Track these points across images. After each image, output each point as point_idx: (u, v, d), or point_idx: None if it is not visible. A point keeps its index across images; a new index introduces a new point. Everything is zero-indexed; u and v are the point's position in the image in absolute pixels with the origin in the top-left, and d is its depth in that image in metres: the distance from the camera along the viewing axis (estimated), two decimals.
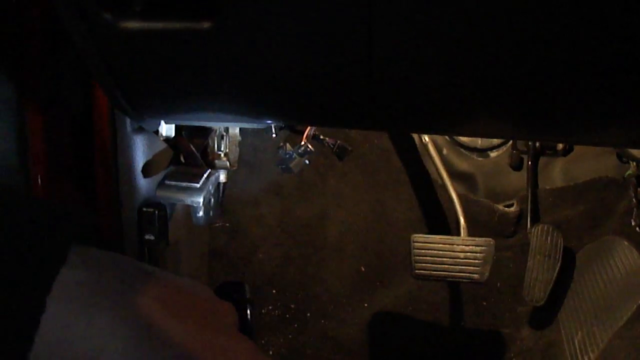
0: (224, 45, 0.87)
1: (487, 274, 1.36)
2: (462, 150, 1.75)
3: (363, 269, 1.62)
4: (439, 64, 0.86)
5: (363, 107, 0.95)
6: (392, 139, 1.68)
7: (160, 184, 1.14)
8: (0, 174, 1.04)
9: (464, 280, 1.38)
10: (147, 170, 1.16)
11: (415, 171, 1.68)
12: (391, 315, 1.58)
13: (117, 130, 1.13)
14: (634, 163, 1.40)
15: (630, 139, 1.05)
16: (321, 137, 1.51)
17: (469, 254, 1.38)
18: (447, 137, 1.74)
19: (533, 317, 1.51)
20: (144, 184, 1.17)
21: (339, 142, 1.57)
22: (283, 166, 1.42)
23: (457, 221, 1.52)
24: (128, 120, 1.14)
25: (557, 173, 1.61)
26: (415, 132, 1.56)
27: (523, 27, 0.77)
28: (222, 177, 1.32)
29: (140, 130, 1.15)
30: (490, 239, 1.39)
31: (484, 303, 1.58)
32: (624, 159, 1.45)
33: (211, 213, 1.17)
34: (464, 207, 1.50)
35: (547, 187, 1.61)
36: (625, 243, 1.38)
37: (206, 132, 1.36)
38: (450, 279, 1.39)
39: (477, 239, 1.39)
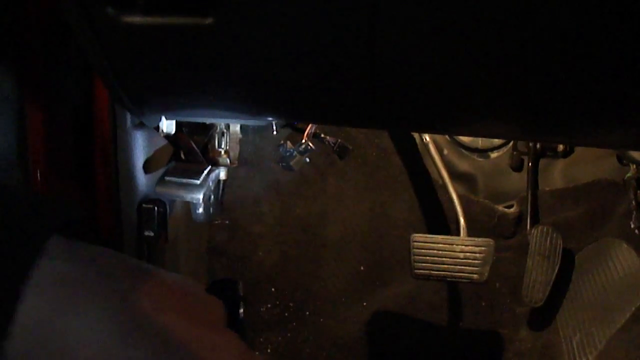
0: (225, 41, 0.87)
1: (486, 274, 1.36)
2: (462, 150, 1.75)
3: (362, 268, 1.62)
4: (441, 63, 0.86)
5: (365, 105, 0.95)
6: (393, 139, 1.68)
7: (160, 180, 1.14)
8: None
9: (464, 280, 1.38)
10: (147, 167, 1.16)
11: (416, 171, 1.68)
12: (390, 315, 1.58)
13: (117, 125, 1.13)
14: (634, 166, 1.40)
15: (631, 141, 1.05)
16: (322, 135, 1.51)
17: (468, 254, 1.38)
18: (447, 137, 1.74)
19: (531, 318, 1.51)
20: (143, 180, 1.16)
21: (339, 141, 1.57)
22: (284, 164, 1.42)
23: (457, 221, 1.52)
24: (128, 116, 1.14)
25: (557, 175, 1.61)
26: (417, 131, 1.56)
27: (527, 28, 0.77)
28: (222, 175, 1.32)
29: (140, 126, 1.15)
30: (490, 239, 1.39)
31: (483, 303, 1.58)
32: (624, 162, 1.45)
33: (211, 210, 1.17)
34: (464, 207, 1.50)
35: (547, 189, 1.61)
36: (625, 245, 1.37)
37: (207, 128, 1.36)
38: (450, 279, 1.39)
39: (476, 239, 1.39)
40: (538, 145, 1.61)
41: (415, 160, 1.69)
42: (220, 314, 0.54)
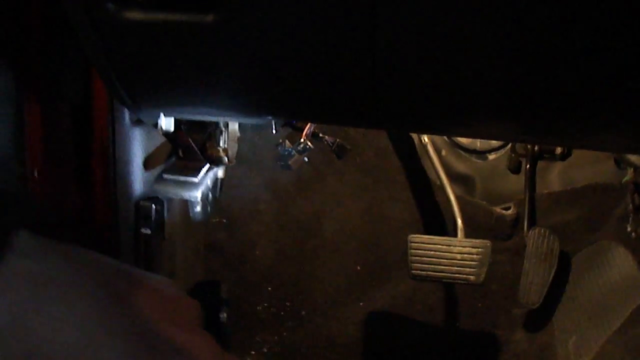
0: (226, 38, 0.87)
1: (483, 275, 1.36)
2: (460, 152, 1.75)
3: (359, 268, 1.62)
4: (442, 64, 0.86)
5: (365, 105, 0.95)
6: (391, 139, 1.68)
7: (158, 178, 1.14)
8: None
9: (461, 281, 1.38)
10: (146, 164, 1.16)
11: (414, 172, 1.68)
12: (386, 315, 1.58)
13: (116, 122, 1.12)
14: (632, 169, 1.40)
15: (630, 145, 1.06)
16: (320, 135, 1.51)
17: (465, 255, 1.38)
18: (446, 138, 1.74)
19: (528, 320, 1.51)
20: (141, 177, 1.16)
21: (338, 140, 1.56)
22: (282, 163, 1.42)
23: (454, 222, 1.52)
24: (127, 113, 1.14)
25: (554, 177, 1.62)
26: (417, 132, 1.56)
27: (526, 31, 0.77)
28: (220, 173, 1.32)
29: (138, 123, 1.15)
30: (487, 241, 1.39)
31: (479, 305, 1.58)
32: (622, 165, 1.45)
33: (208, 209, 1.17)
34: (461, 208, 1.50)
35: (545, 191, 1.61)
36: (621, 248, 1.38)
37: (205, 127, 1.36)
38: (447, 280, 1.39)
39: (474, 240, 1.39)
40: (536, 148, 1.61)
41: (413, 161, 1.69)
42: (196, 315, 0.54)
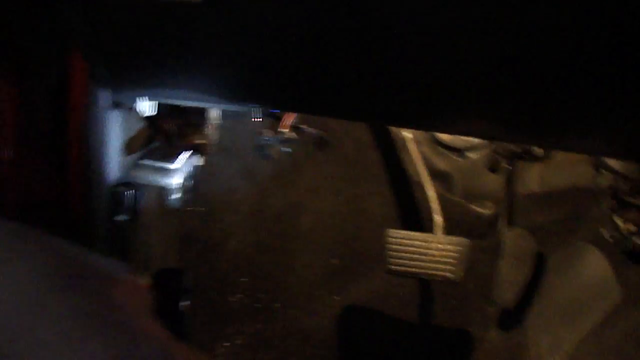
0: (214, 20, 0.85)
1: (461, 273, 1.36)
2: (440, 148, 1.74)
3: (336, 262, 1.61)
4: (432, 62, 0.85)
5: (352, 97, 0.94)
6: (372, 133, 1.67)
7: (135, 163, 1.11)
8: None
9: (438, 278, 1.38)
10: (123, 149, 1.13)
11: (393, 166, 1.67)
12: (361, 309, 1.57)
13: (92, 105, 1.09)
14: (610, 174, 1.41)
15: (606, 149, 1.06)
16: (301, 126, 1.49)
17: (444, 252, 1.38)
18: (426, 134, 1.73)
19: (502, 319, 1.52)
20: (117, 162, 1.13)
21: (318, 132, 1.55)
22: (262, 152, 1.40)
23: (432, 219, 1.51)
24: (104, 95, 1.11)
25: (533, 178, 1.62)
26: (403, 127, 1.54)
27: (513, 35, 0.77)
28: (199, 160, 1.29)
29: (116, 105, 1.12)
30: (465, 239, 1.39)
31: (454, 302, 1.58)
32: (600, 169, 1.46)
33: (186, 196, 1.14)
34: (441, 205, 1.50)
35: (523, 192, 1.61)
36: (597, 251, 1.39)
37: (186, 113, 1.33)
38: (425, 277, 1.39)
39: (453, 238, 1.39)
40: (516, 148, 1.61)
41: (392, 156, 1.68)
42: (146, 303, 0.52)
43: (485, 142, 1.70)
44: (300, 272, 1.59)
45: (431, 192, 1.49)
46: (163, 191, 1.17)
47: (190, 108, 1.30)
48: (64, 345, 0.41)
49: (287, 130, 1.35)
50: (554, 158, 1.59)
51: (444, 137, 1.75)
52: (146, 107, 1.14)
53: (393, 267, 1.38)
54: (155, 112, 1.18)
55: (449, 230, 1.50)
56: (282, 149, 1.36)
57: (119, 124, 1.12)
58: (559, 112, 0.90)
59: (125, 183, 1.13)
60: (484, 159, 1.69)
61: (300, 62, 0.90)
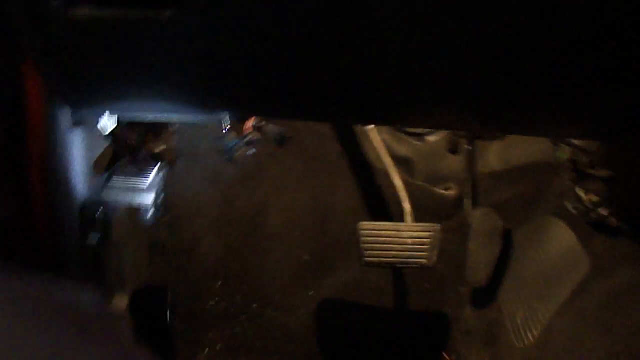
0: (182, 34, 0.82)
1: (435, 258, 1.39)
2: (400, 134, 1.76)
3: (306, 257, 1.61)
4: (409, 61, 0.85)
5: (328, 100, 0.93)
6: (332, 126, 1.67)
7: (106, 183, 1.07)
8: None
9: (413, 265, 1.39)
10: (89, 167, 1.09)
11: (355, 157, 1.68)
12: (337, 302, 1.58)
13: (53, 124, 1.04)
14: (568, 147, 1.45)
15: (571, 132, 1.10)
16: (261, 124, 1.48)
17: (416, 239, 1.40)
18: None
19: (475, 298, 1.56)
20: (84, 182, 1.09)
21: (279, 129, 1.54)
22: (227, 156, 1.38)
23: (400, 206, 1.53)
24: (65, 114, 1.06)
25: (493, 157, 1.66)
26: (379, 124, 1.55)
27: (477, 28, 0.78)
28: (164, 169, 1.26)
29: (79, 124, 1.07)
30: (436, 224, 1.41)
31: (427, 285, 1.61)
32: (559, 144, 1.50)
33: (158, 211, 1.11)
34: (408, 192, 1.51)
35: (484, 171, 1.65)
36: (562, 224, 1.43)
37: (143, 123, 1.29)
38: (400, 265, 1.40)
39: (423, 224, 1.41)
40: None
41: (354, 146, 1.68)
42: (127, 334, 0.51)
43: None
44: (273, 270, 1.59)
45: (397, 181, 1.51)
46: (134, 209, 1.14)
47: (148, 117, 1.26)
48: None
49: (250, 131, 1.33)
50: (511, 136, 1.63)
51: None
52: (108, 123, 1.10)
53: (369, 259, 1.39)
54: (116, 126, 1.14)
55: (416, 214, 1.52)
56: (249, 150, 1.34)
57: (83, 142, 1.07)
58: (524, 101, 0.93)
59: (95, 202, 1.09)
60: (443, 142, 1.72)
61: (269, 68, 0.88)
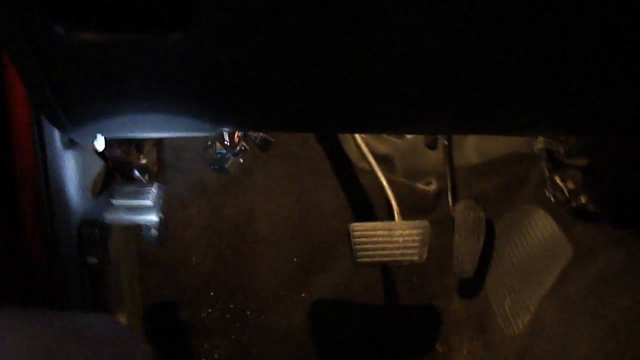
0: (187, 55, 0.82)
1: (425, 254, 1.42)
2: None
3: (296, 260, 1.62)
4: (392, 71, 0.87)
5: (310, 111, 0.95)
6: None
7: (107, 205, 1.05)
8: None
9: (405, 263, 1.42)
10: (85, 188, 1.07)
11: (338, 157, 1.69)
12: (329, 302, 1.60)
13: (45, 147, 1.03)
14: (542, 138, 1.51)
15: (551, 129, 1.15)
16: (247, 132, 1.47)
17: (407, 237, 1.42)
18: None
19: (462, 289, 1.60)
20: (80, 203, 1.07)
21: (261, 134, 1.54)
22: (216, 167, 1.38)
23: (384, 204, 1.56)
24: (57, 135, 1.04)
25: (470, 150, 1.70)
26: (368, 132, 1.56)
27: (453, 30, 0.81)
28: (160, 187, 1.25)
29: (72, 144, 1.06)
30: (425, 221, 1.44)
31: (415, 280, 1.64)
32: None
33: (164, 229, 1.11)
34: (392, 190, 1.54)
35: (463, 164, 1.69)
36: (542, 211, 1.49)
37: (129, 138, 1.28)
38: (392, 264, 1.43)
39: (413, 222, 1.44)
40: None
41: (336, 146, 1.70)
42: (144, 355, 0.52)
43: None
44: (264, 276, 1.59)
45: (382, 179, 1.53)
46: (132, 227, 1.13)
47: None
48: None
49: (241, 140, 1.33)
50: None
51: None
52: (100, 142, 1.08)
53: (362, 259, 1.41)
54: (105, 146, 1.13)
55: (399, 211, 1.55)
56: (238, 160, 1.34)
57: (77, 162, 1.06)
58: (510, 102, 0.96)
59: (92, 223, 1.08)
60: (421, 138, 1.75)
61: (270, 82, 0.89)
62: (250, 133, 1.48)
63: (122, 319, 1.17)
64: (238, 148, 1.33)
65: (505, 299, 1.48)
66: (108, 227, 1.10)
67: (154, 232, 1.07)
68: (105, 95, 0.91)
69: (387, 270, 1.63)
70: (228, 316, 1.54)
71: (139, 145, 1.34)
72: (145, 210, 1.04)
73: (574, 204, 1.39)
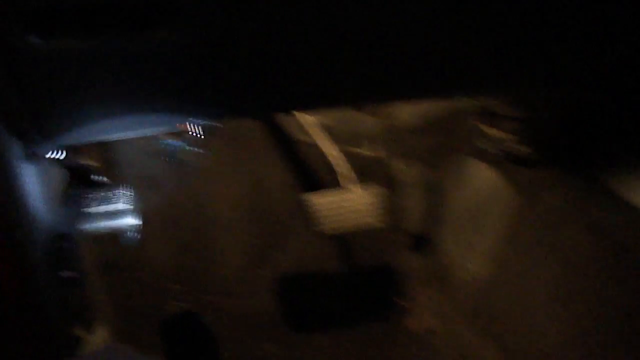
0: (163, 51, 0.80)
1: (384, 218, 1.47)
2: None
3: (255, 241, 1.62)
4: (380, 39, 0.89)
5: (271, 91, 0.95)
6: None
7: (79, 215, 1.01)
8: None
9: (367, 227, 1.46)
10: (50, 199, 1.02)
11: (281, 132, 1.69)
12: (294, 276, 1.62)
13: (5, 161, 0.96)
14: None
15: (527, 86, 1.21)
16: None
17: (360, 203, 1.46)
18: None
19: (416, 244, 1.67)
20: (47, 216, 1.02)
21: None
22: (171, 158, 1.34)
23: (332, 173, 1.59)
24: (15, 149, 0.98)
25: (406, 111, 1.75)
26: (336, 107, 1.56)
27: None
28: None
29: (32, 156, 1.00)
30: (374, 184, 1.47)
31: (371, 242, 1.69)
32: None
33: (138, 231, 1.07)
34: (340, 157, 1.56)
35: (400, 126, 1.74)
36: (481, 164, 1.58)
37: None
38: (353, 229, 1.46)
39: (367, 187, 1.47)
40: None
41: (277, 123, 1.70)
42: None
43: None
44: (225, 260, 1.59)
45: (332, 150, 1.55)
46: (101, 234, 1.09)
47: None
48: None
49: (193, 130, 1.30)
50: None
51: None
52: (58, 151, 1.03)
53: (318, 228, 1.43)
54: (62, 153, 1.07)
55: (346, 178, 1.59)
56: (193, 149, 1.31)
57: (38, 175, 1.00)
58: (475, 61, 1.01)
59: (60, 236, 1.03)
60: None
61: (246, 69, 0.89)
62: (194, 120, 1.45)
63: (105, 331, 1.13)
64: (192, 138, 1.30)
65: (459, 249, 1.57)
66: (76, 237, 1.06)
67: (132, 234, 1.04)
68: (79, 102, 0.87)
69: (343, 239, 1.67)
70: (195, 306, 1.53)
71: (86, 147, 1.28)
72: (121, 214, 1.01)
73: (514, 153, 1.48)
